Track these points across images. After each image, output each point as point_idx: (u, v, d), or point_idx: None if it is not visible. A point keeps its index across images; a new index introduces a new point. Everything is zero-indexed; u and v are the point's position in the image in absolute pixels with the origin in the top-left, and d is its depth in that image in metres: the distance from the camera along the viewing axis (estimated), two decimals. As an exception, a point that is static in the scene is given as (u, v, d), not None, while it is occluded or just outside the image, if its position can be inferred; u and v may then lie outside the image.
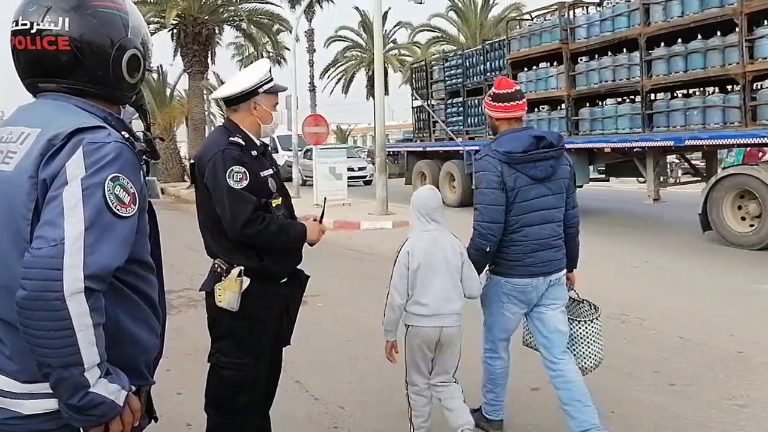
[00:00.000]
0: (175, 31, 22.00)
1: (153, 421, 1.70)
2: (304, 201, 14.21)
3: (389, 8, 31.43)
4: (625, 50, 10.86)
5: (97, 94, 1.56)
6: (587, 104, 12.01)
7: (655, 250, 8.80)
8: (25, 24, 1.46)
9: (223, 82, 21.21)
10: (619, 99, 11.56)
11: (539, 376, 4.31)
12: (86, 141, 1.39)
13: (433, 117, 16.47)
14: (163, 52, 26.28)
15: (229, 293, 2.66)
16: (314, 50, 42.90)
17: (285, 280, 2.90)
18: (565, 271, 3.30)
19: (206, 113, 27.86)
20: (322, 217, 3.04)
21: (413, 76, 17.95)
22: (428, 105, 16.72)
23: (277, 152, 22.88)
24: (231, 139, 2.73)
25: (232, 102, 2.83)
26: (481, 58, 14.66)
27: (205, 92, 22.93)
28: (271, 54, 39.87)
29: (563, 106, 12.23)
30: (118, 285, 1.46)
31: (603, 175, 14.93)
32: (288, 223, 2.80)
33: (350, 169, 22.31)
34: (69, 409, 1.34)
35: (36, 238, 1.32)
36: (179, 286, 7.10)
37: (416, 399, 3.29)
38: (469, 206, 13.64)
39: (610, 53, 11.15)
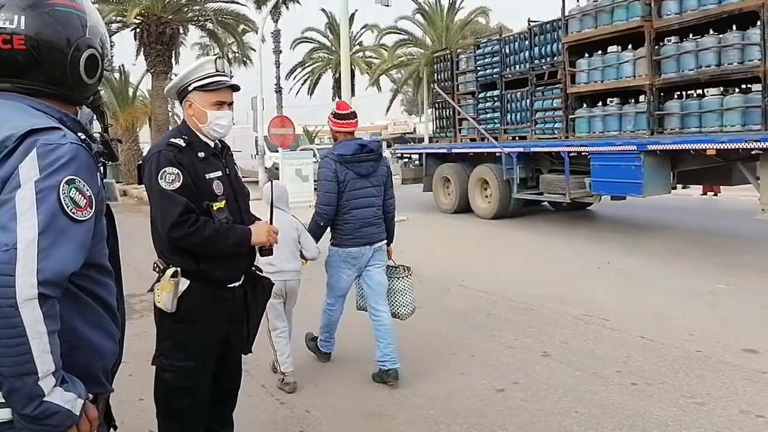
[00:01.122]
0: (137, 30, 21.61)
1: (112, 429, 1.66)
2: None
3: (356, 10, 31.43)
4: (734, 27, 8.50)
5: (53, 95, 1.51)
6: (674, 95, 9.76)
7: (618, 251, 8.96)
8: None
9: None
10: (721, 89, 9.13)
11: (504, 377, 4.36)
12: (40, 142, 1.35)
13: (460, 113, 14.18)
14: (125, 51, 25.85)
15: (165, 294, 2.65)
16: (280, 51, 42.63)
17: (238, 284, 2.85)
18: (384, 241, 4.49)
19: (170, 114, 27.43)
20: (271, 218, 3.00)
21: (435, 66, 15.65)
22: (454, 100, 14.33)
23: (264, 154, 21.95)
24: (171, 140, 2.70)
25: (179, 100, 2.83)
26: (527, 43, 12.19)
27: (169, 93, 22.56)
28: (236, 54, 39.53)
29: (643, 98, 9.88)
30: (74, 290, 1.42)
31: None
32: (227, 227, 2.70)
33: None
34: (23, 419, 1.31)
35: None
36: (141, 290, 6.92)
37: (278, 341, 4.32)
38: (508, 218, 12.28)
39: (712, 31, 8.77)
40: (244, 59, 42.74)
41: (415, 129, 46.04)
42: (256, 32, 23.82)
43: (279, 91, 42.47)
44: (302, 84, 39.78)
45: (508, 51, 12.79)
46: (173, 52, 22.32)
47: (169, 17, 21.58)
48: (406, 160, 16.57)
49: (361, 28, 36.15)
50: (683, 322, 5.50)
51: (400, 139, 43.80)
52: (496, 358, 4.76)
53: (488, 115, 13.34)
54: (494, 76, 13.16)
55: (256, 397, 4.14)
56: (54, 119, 1.45)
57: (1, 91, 1.48)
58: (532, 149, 11.68)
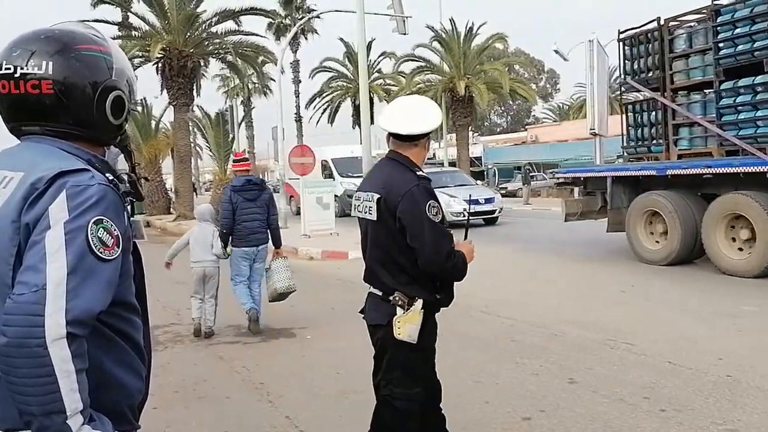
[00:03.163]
0: (160, 64, 22.06)
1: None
2: (291, 232, 14.17)
3: (373, 39, 31.80)
4: None
5: (81, 136, 1.54)
6: None
7: (641, 274, 8.85)
8: (9, 68, 1.45)
9: (207, 114, 21.20)
10: None
11: (530, 405, 4.30)
12: (70, 184, 1.38)
13: (680, 116, 9.67)
14: (147, 85, 26.34)
15: (410, 326, 2.71)
16: (300, 81, 43.28)
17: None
18: (267, 244, 6.73)
19: (192, 145, 27.85)
20: (466, 234, 3.05)
21: (624, 52, 10.57)
22: (664, 97, 9.82)
23: (333, 179, 19.61)
24: (419, 173, 2.76)
25: (417, 137, 2.81)
26: None
27: (190, 124, 22.89)
28: (256, 85, 40.14)
29: None
30: (100, 328, 1.44)
31: None
32: (461, 254, 2.81)
33: (474, 202, 16.00)
34: (52, 457, 1.31)
35: (18, 284, 1.30)
36: (165, 321, 7.03)
37: (193, 303, 6.47)
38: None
39: None
40: (264, 90, 43.44)
41: (434, 154, 46.13)
42: (276, 63, 24.20)
43: (299, 120, 42.98)
44: (322, 112, 40.19)
45: None
46: (194, 84, 22.71)
47: (191, 51, 22.00)
48: (571, 184, 11.83)
49: (379, 56, 36.53)
50: (711, 345, 5.40)
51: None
52: (520, 386, 4.70)
53: (741, 116, 8.59)
54: (757, 53, 8.24)
55: (280, 428, 4.13)
56: (82, 161, 1.49)
57: (31, 134, 1.53)
58: None
